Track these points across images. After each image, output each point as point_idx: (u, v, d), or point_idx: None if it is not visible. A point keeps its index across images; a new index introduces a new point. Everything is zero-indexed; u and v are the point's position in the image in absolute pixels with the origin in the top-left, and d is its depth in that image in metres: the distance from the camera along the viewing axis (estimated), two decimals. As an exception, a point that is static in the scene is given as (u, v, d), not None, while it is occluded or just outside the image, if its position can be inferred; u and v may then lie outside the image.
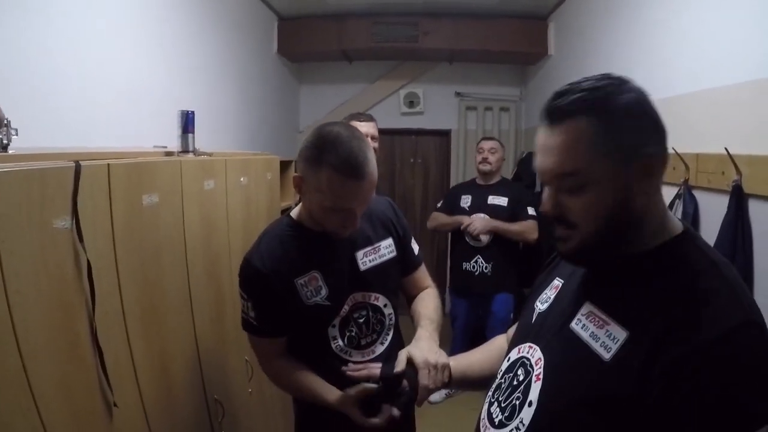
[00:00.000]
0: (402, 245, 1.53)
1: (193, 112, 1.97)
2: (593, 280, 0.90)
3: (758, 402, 0.67)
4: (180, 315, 1.54)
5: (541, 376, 0.87)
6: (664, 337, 0.72)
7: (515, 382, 0.93)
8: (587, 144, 0.77)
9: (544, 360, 0.89)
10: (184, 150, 1.92)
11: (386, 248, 1.49)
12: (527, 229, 3.22)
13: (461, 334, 3.53)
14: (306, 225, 1.40)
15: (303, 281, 1.37)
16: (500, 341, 1.30)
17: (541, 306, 1.00)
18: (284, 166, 2.91)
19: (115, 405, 1.19)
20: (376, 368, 1.32)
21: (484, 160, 3.36)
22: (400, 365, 1.26)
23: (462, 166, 5.01)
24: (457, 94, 4.98)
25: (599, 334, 0.81)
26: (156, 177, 1.45)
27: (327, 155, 1.20)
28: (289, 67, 4.67)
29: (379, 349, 1.47)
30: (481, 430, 0.98)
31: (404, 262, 1.55)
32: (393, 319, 1.51)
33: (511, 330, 1.25)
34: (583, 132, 0.78)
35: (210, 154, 1.92)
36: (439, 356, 1.26)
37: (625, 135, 0.77)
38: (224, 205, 1.86)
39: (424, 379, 1.22)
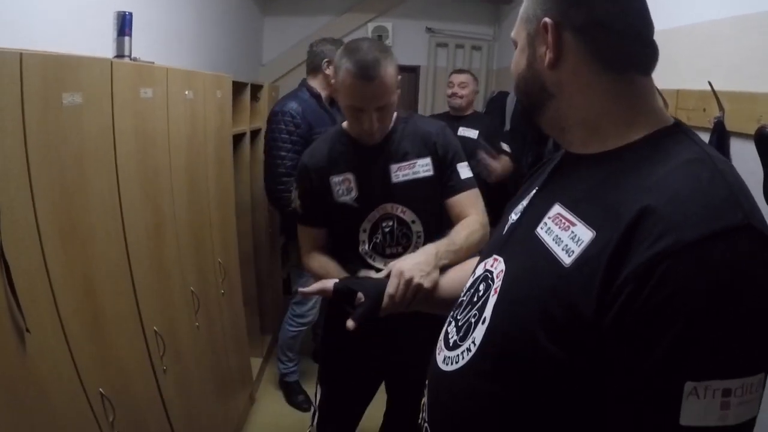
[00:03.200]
0: (444, 167, 1.57)
1: (130, 14, 1.74)
2: (564, 180, 0.79)
3: (741, 340, 0.53)
4: (108, 235, 1.36)
5: (498, 289, 0.76)
6: (634, 236, 0.58)
7: (475, 299, 0.83)
8: (521, 15, 0.80)
9: (506, 271, 0.78)
10: (119, 55, 1.70)
11: (422, 166, 1.55)
12: (506, 168, 3.13)
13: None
14: (348, 131, 1.58)
15: (338, 179, 1.55)
16: (473, 262, 1.19)
17: (513, 216, 0.88)
18: (238, 88, 2.66)
19: (27, 330, 1.04)
20: (330, 282, 1.24)
21: (454, 95, 3.20)
22: (381, 273, 1.25)
23: (430, 103, 4.83)
24: (428, 29, 4.75)
25: (563, 237, 0.68)
26: (80, 75, 1.24)
27: (344, 60, 1.41)
28: (251, -5, 4.33)
29: None
30: (436, 353, 0.87)
31: (446, 185, 1.58)
32: (422, 237, 1.57)
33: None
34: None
35: (151, 63, 1.71)
36: (418, 272, 1.17)
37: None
38: (164, 118, 1.65)
39: (391, 287, 1.15)
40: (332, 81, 1.56)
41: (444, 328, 0.90)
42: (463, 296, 0.89)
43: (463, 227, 1.49)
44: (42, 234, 1.09)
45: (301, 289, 1.27)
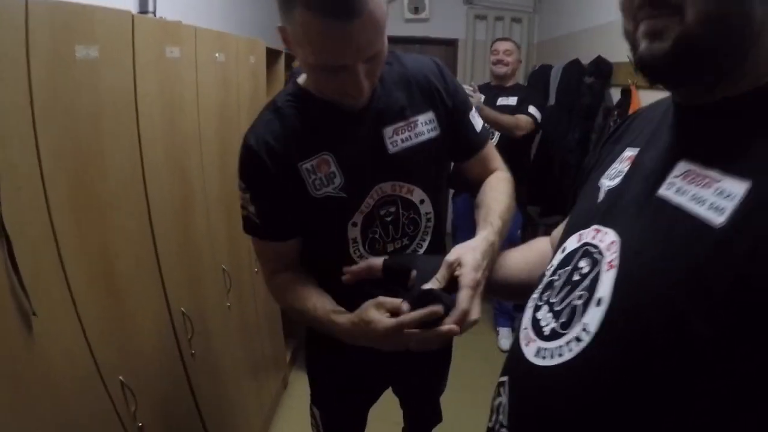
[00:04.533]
0: (454, 121, 1.17)
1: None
2: (689, 133, 0.62)
3: None
4: (129, 206, 1.22)
5: (615, 263, 0.61)
6: None
7: (576, 277, 0.67)
8: None
9: (621, 242, 0.62)
10: (143, 11, 1.55)
11: (425, 124, 1.13)
12: (518, 122, 2.88)
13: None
14: (314, 92, 1.07)
15: (310, 166, 1.06)
16: (541, 243, 1.02)
17: (609, 182, 0.73)
18: (272, 56, 2.51)
19: (33, 314, 0.91)
20: (378, 259, 1.00)
21: (499, 62, 2.98)
22: (442, 269, 0.91)
23: (469, 79, 4.58)
24: (467, 1, 4.50)
25: (705, 195, 0.54)
26: (96, 27, 1.10)
27: None
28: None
29: None
30: (522, 345, 0.70)
31: (460, 143, 1.20)
32: (432, 220, 1.18)
33: (558, 230, 0.97)
34: None
35: (178, 22, 1.56)
36: (484, 278, 0.92)
37: None
38: (193, 81, 1.50)
39: (465, 301, 0.86)
40: (278, 26, 0.97)
41: (528, 315, 0.74)
42: (551, 275, 0.74)
43: (499, 189, 1.17)
44: (50, 202, 0.96)
45: (346, 269, 1.02)
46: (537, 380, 0.66)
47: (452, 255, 0.93)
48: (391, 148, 1.10)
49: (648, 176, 0.64)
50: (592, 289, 0.62)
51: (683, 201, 0.56)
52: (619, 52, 2.81)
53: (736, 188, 0.51)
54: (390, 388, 1.55)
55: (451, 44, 4.73)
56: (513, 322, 3.29)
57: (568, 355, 0.61)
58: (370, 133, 1.09)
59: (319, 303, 1.05)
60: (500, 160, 1.27)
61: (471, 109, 1.21)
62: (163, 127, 1.34)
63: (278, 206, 1.08)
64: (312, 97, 1.07)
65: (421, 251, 1.18)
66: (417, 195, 1.15)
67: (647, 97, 2.56)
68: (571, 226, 0.78)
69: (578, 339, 0.61)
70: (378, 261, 1.01)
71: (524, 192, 3.07)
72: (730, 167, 0.53)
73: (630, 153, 0.74)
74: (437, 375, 1.57)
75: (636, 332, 0.56)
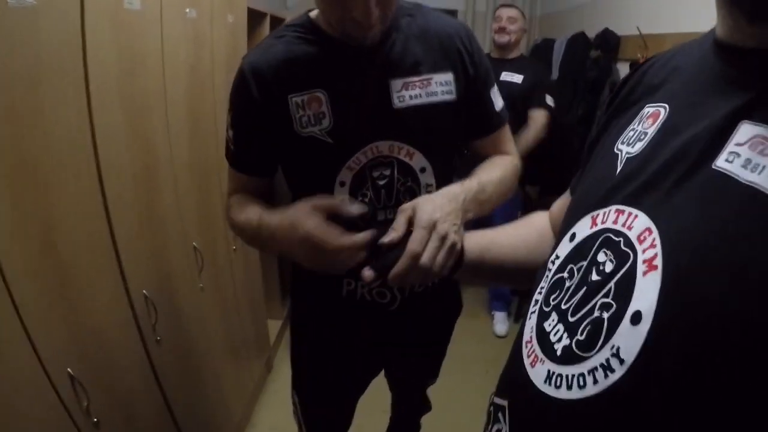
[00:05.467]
0: (474, 92, 1.07)
1: None
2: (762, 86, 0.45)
3: None
4: (78, 175, 1.07)
5: (658, 262, 0.45)
6: None
7: (595, 277, 0.51)
8: None
9: (660, 232, 0.46)
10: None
11: (441, 85, 1.02)
12: (539, 128, 2.80)
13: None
14: (324, 28, 1.00)
15: (300, 101, 0.98)
16: (539, 220, 0.87)
17: (629, 148, 0.57)
18: (255, 18, 2.32)
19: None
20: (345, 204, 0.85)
21: (502, 30, 2.80)
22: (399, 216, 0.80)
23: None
24: (467, -31, 4.32)
25: None
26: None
27: None
28: None
29: None
30: (526, 363, 0.56)
31: (477, 119, 1.11)
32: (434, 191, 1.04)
33: (558, 205, 0.82)
34: None
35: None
36: (450, 225, 0.79)
37: None
38: (157, 38, 1.34)
39: (416, 243, 0.75)
40: None
41: (532, 323, 0.59)
42: (558, 271, 0.58)
43: (495, 167, 1.07)
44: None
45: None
46: (549, 414, 0.51)
47: (410, 203, 0.80)
48: (397, 103, 1.00)
49: (691, 142, 0.48)
50: (622, 297, 0.47)
51: (756, 178, 0.41)
52: (627, 25, 2.67)
53: None
54: (381, 372, 1.45)
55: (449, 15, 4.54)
56: (509, 306, 3.17)
57: (592, 389, 0.46)
58: (376, 81, 0.99)
59: (258, 210, 0.97)
60: (513, 145, 1.17)
61: (493, 85, 1.10)
62: (120, 86, 1.18)
63: (255, 138, 1.04)
64: (320, 30, 1.00)
65: None
66: (417, 161, 1.03)
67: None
68: (578, 204, 0.62)
69: (607, 368, 0.45)
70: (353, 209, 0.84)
71: (523, 170, 2.92)
72: None
73: (654, 109, 0.58)
74: (431, 361, 1.47)
75: (696, 365, 0.40)
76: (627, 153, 0.57)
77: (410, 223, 0.78)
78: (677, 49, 0.62)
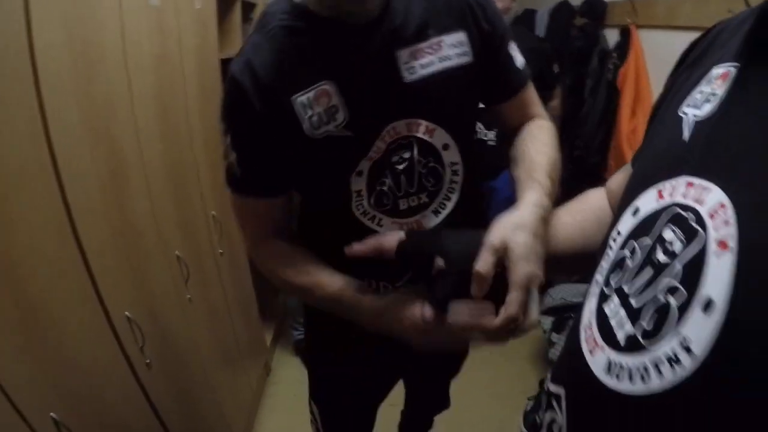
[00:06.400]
0: (491, 50, 0.93)
1: None
2: None
3: None
4: (34, 189, 0.92)
5: (733, 243, 0.39)
6: None
7: (661, 257, 0.45)
8: None
9: (735, 207, 0.40)
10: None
11: (453, 47, 0.89)
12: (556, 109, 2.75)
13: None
14: (312, 8, 0.85)
15: (305, 99, 0.84)
16: (596, 198, 0.79)
17: (696, 112, 0.50)
18: (225, 3, 2.17)
19: None
20: (391, 238, 0.77)
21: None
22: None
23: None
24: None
25: None
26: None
27: None
28: None
29: (432, 219, 0.94)
30: (584, 349, 0.51)
31: (498, 80, 0.97)
32: (460, 173, 0.95)
33: (616, 180, 0.75)
34: None
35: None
36: (535, 262, 0.67)
37: None
38: (118, 30, 1.19)
39: (513, 305, 0.64)
40: None
41: (591, 306, 0.53)
42: (620, 248, 0.52)
43: (540, 138, 0.94)
44: None
45: (347, 250, 0.77)
46: (610, 408, 0.46)
47: (495, 235, 0.68)
48: (407, 76, 0.86)
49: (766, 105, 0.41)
50: (692, 281, 0.41)
51: None
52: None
53: None
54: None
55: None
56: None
57: (658, 383, 0.41)
58: (382, 57, 0.86)
59: (331, 279, 0.87)
60: (541, 106, 1.04)
61: (511, 40, 0.97)
62: (77, 86, 1.04)
63: (265, 154, 0.87)
64: (310, 13, 0.85)
65: (445, 212, 0.95)
66: (439, 137, 0.91)
67: (649, 37, 2.33)
68: (641, 175, 0.55)
69: (674, 360, 0.40)
70: (392, 239, 0.76)
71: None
72: None
73: (723, 70, 0.50)
74: (454, 355, 1.38)
75: None
76: (694, 116, 0.50)
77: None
78: (755, 9, 0.53)
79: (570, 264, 0.77)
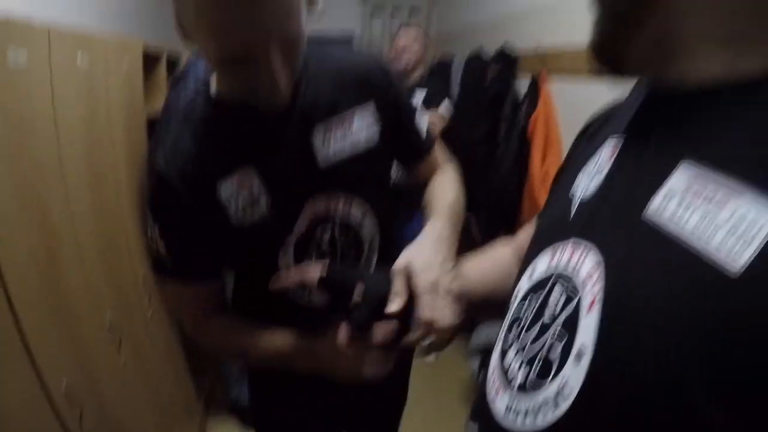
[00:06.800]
0: (399, 120, 1.00)
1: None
2: (682, 126, 0.45)
3: None
4: None
5: (597, 306, 0.45)
6: None
7: (547, 315, 0.52)
8: None
9: (606, 266, 0.46)
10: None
11: (363, 119, 0.94)
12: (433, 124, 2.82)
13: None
14: (227, 98, 0.87)
15: (229, 185, 0.86)
16: (503, 251, 0.89)
17: (581, 192, 0.58)
18: (151, 62, 2.16)
19: None
20: (312, 270, 0.82)
21: (397, 58, 2.86)
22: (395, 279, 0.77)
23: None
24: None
25: (718, 217, 0.38)
26: None
27: None
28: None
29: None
30: (489, 393, 0.57)
31: (408, 150, 1.06)
32: (377, 237, 1.01)
33: (526, 231, 0.84)
34: None
35: (27, 19, 1.23)
36: (446, 280, 0.78)
37: None
38: (48, 96, 1.19)
39: (426, 309, 0.75)
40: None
41: (496, 354, 0.60)
42: (517, 310, 0.59)
43: (447, 184, 1.05)
44: None
45: (271, 285, 0.83)
46: None
47: (401, 260, 0.78)
48: (322, 153, 0.91)
49: (632, 183, 0.48)
50: (569, 335, 0.47)
51: (684, 225, 0.40)
52: (525, 41, 2.77)
53: (763, 216, 0.35)
54: None
55: (347, 43, 4.55)
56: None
57: (542, 423, 0.48)
58: (298, 138, 0.89)
59: (273, 334, 0.92)
60: (444, 155, 1.14)
61: (416, 111, 1.06)
62: (9, 159, 1.03)
63: (196, 243, 0.89)
64: (223, 100, 0.87)
65: None
66: (357, 209, 0.97)
67: (558, 84, 2.51)
68: (539, 238, 0.64)
69: (554, 403, 0.47)
70: (314, 271, 0.82)
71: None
72: (753, 173, 0.37)
73: (612, 143, 0.57)
74: (391, 415, 1.41)
75: (631, 404, 0.40)
76: (578, 197, 0.57)
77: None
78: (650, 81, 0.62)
79: (483, 306, 0.84)
